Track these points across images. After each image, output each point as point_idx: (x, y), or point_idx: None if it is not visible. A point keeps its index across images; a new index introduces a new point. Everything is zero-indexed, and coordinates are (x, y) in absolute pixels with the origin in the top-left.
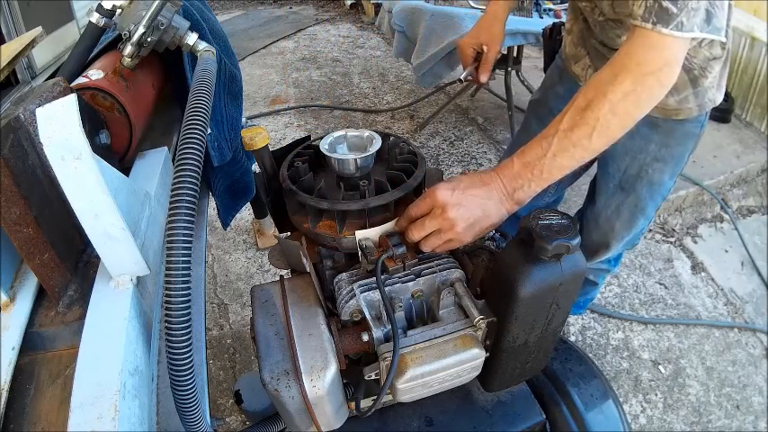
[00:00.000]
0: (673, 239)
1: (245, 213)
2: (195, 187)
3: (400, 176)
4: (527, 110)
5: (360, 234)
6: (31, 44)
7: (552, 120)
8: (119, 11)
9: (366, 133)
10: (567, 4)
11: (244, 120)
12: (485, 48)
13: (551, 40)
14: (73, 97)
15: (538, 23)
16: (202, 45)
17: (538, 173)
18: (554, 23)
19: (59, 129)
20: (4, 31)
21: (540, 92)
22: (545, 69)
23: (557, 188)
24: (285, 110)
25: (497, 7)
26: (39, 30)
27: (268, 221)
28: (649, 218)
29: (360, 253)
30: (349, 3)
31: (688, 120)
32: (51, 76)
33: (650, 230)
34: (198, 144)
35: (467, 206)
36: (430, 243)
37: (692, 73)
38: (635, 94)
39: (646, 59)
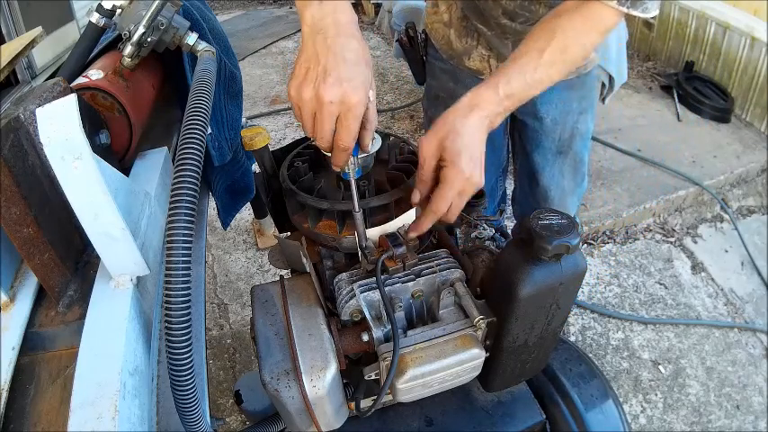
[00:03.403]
0: (673, 239)
1: (245, 213)
2: (195, 187)
3: (400, 176)
4: None
5: None
6: (31, 44)
7: None
8: (119, 11)
9: None
10: None
11: (244, 120)
12: (370, 95)
13: (413, 45)
14: (73, 97)
15: None
16: (202, 45)
17: (516, 101)
18: (406, 26)
19: (59, 129)
20: (4, 31)
21: (443, 109)
22: (420, 81)
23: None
24: (285, 110)
25: (348, 15)
26: (39, 30)
27: (268, 221)
28: (586, 162)
29: (360, 253)
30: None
31: (593, 69)
32: (51, 76)
33: (650, 230)
34: (198, 144)
35: (479, 161)
36: (455, 209)
37: None
38: (598, 42)
39: (612, 24)
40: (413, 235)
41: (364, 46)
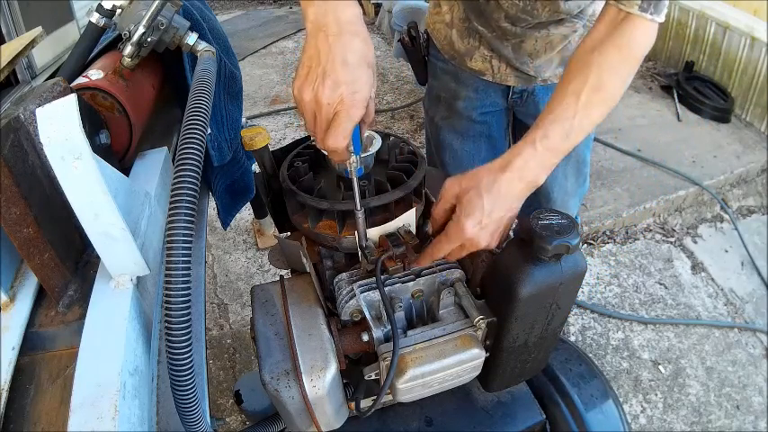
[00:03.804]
0: (673, 239)
1: (245, 213)
2: (195, 187)
3: (400, 176)
4: (439, 132)
5: None
6: (31, 44)
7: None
8: (119, 11)
9: (366, 133)
10: None
11: (244, 120)
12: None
13: (415, 46)
14: (73, 97)
15: None
16: (202, 45)
17: (560, 153)
18: (408, 26)
19: (59, 129)
20: (4, 31)
21: (444, 109)
22: (421, 81)
23: None
24: (285, 110)
25: (351, 10)
26: (39, 30)
27: (268, 221)
28: (588, 164)
29: (360, 253)
30: None
31: None
32: (51, 76)
33: (650, 230)
34: (198, 144)
35: (498, 230)
36: (454, 256)
37: None
38: (633, 72)
39: (645, 45)
40: (414, 266)
41: (367, 43)
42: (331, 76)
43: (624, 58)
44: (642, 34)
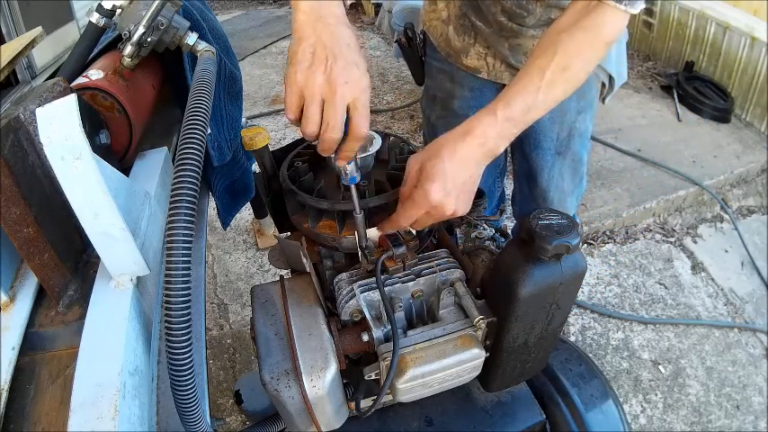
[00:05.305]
0: (673, 239)
1: (245, 213)
2: (195, 187)
3: (400, 176)
4: (435, 132)
5: None
6: (31, 44)
7: None
8: (119, 11)
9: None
10: None
11: (244, 120)
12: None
13: (412, 46)
14: (73, 97)
15: None
16: (202, 45)
17: (520, 124)
18: (405, 27)
19: (59, 129)
20: (4, 31)
21: (440, 108)
22: (419, 81)
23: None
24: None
25: (336, 11)
26: (39, 30)
27: (268, 221)
28: (585, 163)
29: (360, 253)
30: (349, 3)
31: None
32: (51, 76)
33: (650, 230)
34: (198, 144)
35: (463, 195)
36: (421, 225)
37: None
38: (600, 57)
39: (615, 33)
40: (381, 231)
41: (356, 37)
42: (342, 58)
43: (591, 43)
44: (612, 22)
